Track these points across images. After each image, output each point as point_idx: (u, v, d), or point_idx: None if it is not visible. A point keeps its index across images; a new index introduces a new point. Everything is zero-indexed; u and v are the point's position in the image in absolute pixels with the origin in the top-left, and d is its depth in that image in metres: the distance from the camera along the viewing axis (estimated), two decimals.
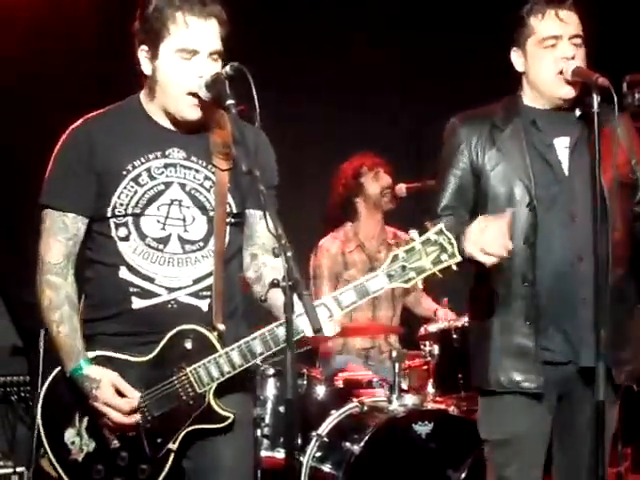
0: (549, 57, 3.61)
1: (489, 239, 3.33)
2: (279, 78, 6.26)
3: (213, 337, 3.17)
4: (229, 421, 3.18)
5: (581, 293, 3.56)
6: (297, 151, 6.38)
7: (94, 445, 3.18)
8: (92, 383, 3.14)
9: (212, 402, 3.16)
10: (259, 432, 4.97)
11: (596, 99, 3.45)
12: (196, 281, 3.20)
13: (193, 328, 3.16)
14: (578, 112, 3.65)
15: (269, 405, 5.05)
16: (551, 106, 3.68)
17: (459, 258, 3.14)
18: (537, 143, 3.65)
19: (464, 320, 4.98)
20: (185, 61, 3.13)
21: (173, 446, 3.15)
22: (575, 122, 3.65)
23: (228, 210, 3.25)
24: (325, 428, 4.96)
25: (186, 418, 3.15)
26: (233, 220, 3.27)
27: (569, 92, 3.61)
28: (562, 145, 3.66)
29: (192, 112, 3.18)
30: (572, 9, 3.63)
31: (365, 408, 5.00)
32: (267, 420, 5.02)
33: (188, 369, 3.14)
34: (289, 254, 2.82)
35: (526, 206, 3.58)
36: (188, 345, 3.16)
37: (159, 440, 3.16)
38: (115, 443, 3.17)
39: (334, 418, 4.98)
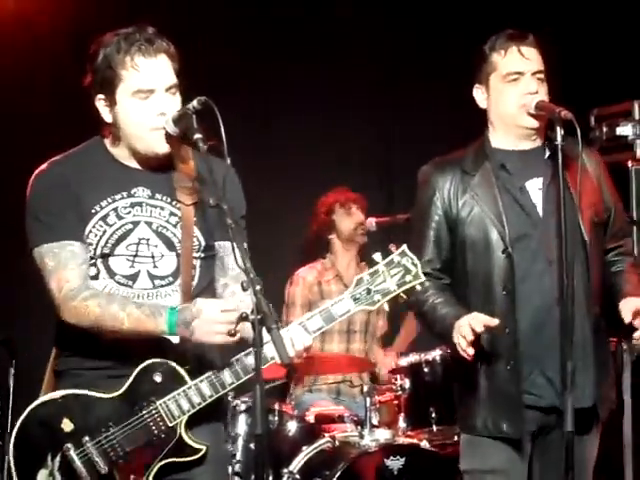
0: (512, 92, 3.60)
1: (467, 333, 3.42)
2: (252, 111, 6.30)
3: (182, 370, 3.16)
4: (202, 453, 3.17)
5: (561, 336, 3.51)
6: (272, 183, 6.41)
7: None
8: (188, 310, 3.08)
9: (184, 435, 3.15)
10: (230, 469, 4.93)
11: (560, 132, 3.44)
12: None
13: (162, 362, 3.16)
14: (548, 152, 3.62)
15: (240, 442, 5.01)
16: (519, 145, 3.66)
17: (423, 278, 3.17)
18: (509, 187, 3.63)
19: (434, 354, 4.97)
20: (143, 101, 3.16)
21: None
22: (546, 162, 3.63)
23: (196, 244, 3.26)
24: (297, 465, 4.92)
25: (158, 452, 3.14)
26: (202, 254, 3.28)
27: (533, 122, 3.60)
28: (535, 187, 3.64)
29: (161, 146, 3.19)
30: (534, 45, 3.65)
31: (337, 443, 4.98)
32: (238, 457, 4.98)
33: (158, 402, 3.13)
34: (257, 287, 2.83)
35: (501, 252, 3.57)
36: (157, 379, 3.15)
37: (132, 476, 3.14)
38: None
39: (305, 454, 4.95)
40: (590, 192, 3.62)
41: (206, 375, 3.13)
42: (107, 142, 3.29)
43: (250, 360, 3.08)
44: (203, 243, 3.27)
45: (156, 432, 3.13)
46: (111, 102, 3.19)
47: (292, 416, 5.20)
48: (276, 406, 5.14)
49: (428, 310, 3.64)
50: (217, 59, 6.31)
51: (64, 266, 3.17)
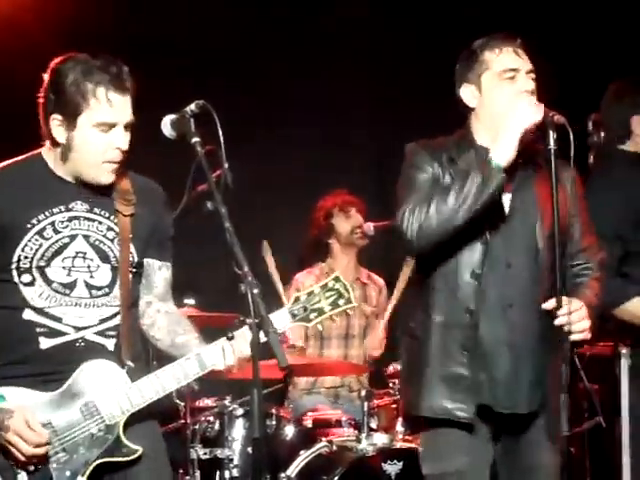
0: (509, 89, 3.57)
1: None
2: (249, 115, 6.30)
3: (122, 371, 3.24)
4: (138, 454, 3.23)
5: (509, 339, 3.57)
6: (270, 187, 6.41)
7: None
8: (5, 414, 3.15)
9: (122, 435, 3.21)
10: (227, 474, 4.94)
11: (552, 136, 3.42)
12: (102, 320, 3.28)
13: (103, 362, 3.23)
14: (526, 154, 3.58)
15: (237, 446, 5.01)
16: None
17: (354, 304, 3.41)
18: None
19: None
20: (103, 133, 3.21)
21: (82, 479, 3.18)
22: (519, 166, 3.59)
23: (130, 259, 3.33)
24: (294, 469, 4.92)
25: (96, 451, 3.19)
26: (134, 270, 3.36)
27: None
28: (506, 189, 3.59)
29: (107, 178, 3.28)
30: (523, 48, 3.64)
31: (334, 448, 4.98)
32: (235, 461, 4.98)
33: (97, 401, 3.19)
34: (255, 291, 2.85)
35: (479, 238, 3.56)
36: (98, 378, 3.21)
37: (68, 473, 3.19)
38: (22, 476, 3.17)
39: (303, 459, 4.95)
40: (561, 206, 3.52)
41: (147, 376, 3.22)
42: (48, 158, 3.31)
43: (190, 365, 3.23)
44: (136, 259, 3.35)
45: (94, 431, 3.19)
46: (69, 125, 3.21)
47: (290, 420, 5.20)
48: (274, 410, 5.14)
49: (436, 194, 3.52)
50: (216, 63, 6.32)
51: None
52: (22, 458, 3.15)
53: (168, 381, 3.23)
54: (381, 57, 6.79)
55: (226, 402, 5.04)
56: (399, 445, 4.93)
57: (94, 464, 3.20)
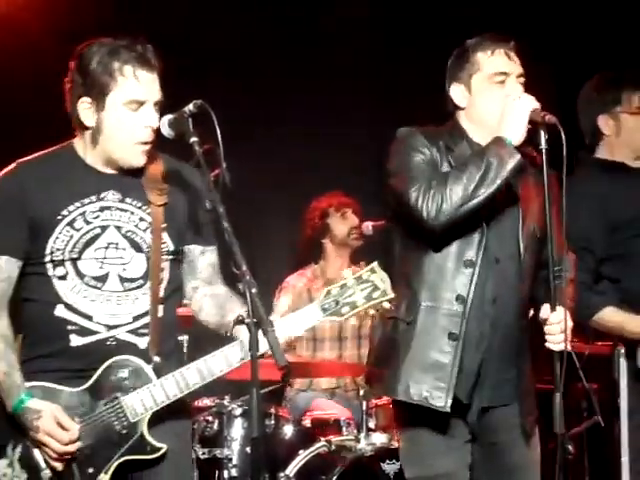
0: (498, 93, 3.58)
1: None
2: (247, 116, 6.30)
3: (148, 368, 3.20)
4: (162, 452, 3.20)
5: (489, 333, 3.59)
6: (266, 187, 6.41)
7: (25, 476, 3.18)
8: (33, 414, 3.14)
9: (145, 432, 3.18)
10: (226, 473, 4.94)
11: (544, 137, 3.41)
12: (136, 318, 3.24)
13: (128, 358, 3.20)
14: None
15: (236, 446, 5.01)
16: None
17: (391, 295, 3.24)
18: None
19: None
20: (132, 112, 3.19)
21: (105, 477, 3.16)
22: None
23: (164, 248, 3.29)
24: (293, 469, 4.92)
25: (119, 448, 3.17)
26: (171, 257, 3.31)
27: None
28: None
29: (140, 159, 3.25)
30: (515, 50, 3.64)
31: (333, 447, 4.98)
32: (234, 461, 4.98)
33: (122, 398, 3.17)
34: (253, 290, 2.85)
35: (476, 227, 3.57)
36: (123, 375, 3.19)
37: (91, 470, 3.17)
38: (46, 473, 3.16)
39: (302, 458, 4.95)
40: (537, 207, 3.59)
41: (172, 374, 3.17)
42: (78, 147, 3.29)
43: (216, 362, 3.15)
44: (172, 247, 3.30)
45: (118, 428, 3.17)
46: (98, 107, 3.20)
47: (288, 420, 5.20)
48: (272, 410, 5.14)
49: (451, 172, 3.54)
50: (215, 62, 6.32)
51: None
52: (54, 456, 3.14)
53: (193, 378, 3.17)
54: (381, 57, 6.78)
55: (225, 402, 5.03)
56: (397, 445, 4.92)
57: (117, 462, 3.16)
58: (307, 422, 5.30)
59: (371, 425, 5.05)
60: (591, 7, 6.46)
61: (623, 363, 4.75)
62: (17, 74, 5.88)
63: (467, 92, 3.65)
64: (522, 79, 3.62)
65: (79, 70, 3.21)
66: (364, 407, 5.00)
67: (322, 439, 5.05)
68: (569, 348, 3.42)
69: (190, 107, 3.11)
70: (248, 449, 4.95)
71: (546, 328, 3.45)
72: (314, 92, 6.59)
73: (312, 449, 4.98)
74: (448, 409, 3.53)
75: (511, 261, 3.60)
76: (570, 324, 3.45)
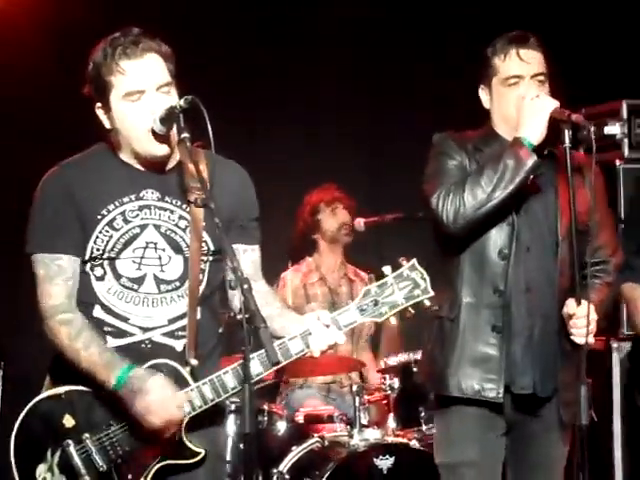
0: (512, 96, 3.64)
1: None
2: (239, 111, 6.29)
3: (185, 371, 3.14)
4: (201, 456, 3.15)
5: (527, 323, 3.65)
6: (258, 184, 6.39)
7: None
8: (140, 381, 3.07)
9: (184, 437, 3.13)
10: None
11: (568, 134, 3.47)
12: (171, 321, 3.18)
13: (165, 362, 3.14)
14: (546, 151, 3.66)
15: (229, 442, 5.01)
16: None
17: (431, 293, 3.16)
18: None
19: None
20: (135, 103, 3.14)
21: None
22: (544, 159, 3.64)
23: (204, 248, 3.22)
24: (286, 465, 4.93)
25: (158, 453, 3.12)
26: (211, 258, 3.24)
27: None
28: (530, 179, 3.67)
29: (158, 148, 3.17)
30: (534, 47, 3.68)
31: (326, 443, 4.98)
32: (228, 457, 4.98)
33: None
34: (246, 286, 2.82)
35: (505, 219, 3.63)
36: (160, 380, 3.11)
37: (130, 476, 3.12)
38: (86, 479, 3.12)
39: (295, 454, 4.96)
40: (581, 201, 3.60)
41: (209, 378, 3.11)
42: (112, 147, 3.26)
43: (255, 364, 3.06)
44: (212, 247, 3.23)
45: (157, 433, 3.11)
46: (106, 109, 3.18)
47: (281, 416, 5.20)
48: (265, 406, 5.15)
49: (471, 175, 3.62)
50: (205, 60, 6.29)
51: (50, 279, 3.17)
52: (161, 422, 3.05)
53: (231, 382, 3.10)
54: (376, 53, 6.79)
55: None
56: (390, 440, 4.94)
57: (157, 467, 3.12)
58: (300, 418, 5.30)
59: (364, 421, 5.04)
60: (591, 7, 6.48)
61: (616, 357, 4.77)
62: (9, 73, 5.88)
63: (489, 95, 3.75)
64: (540, 77, 3.67)
65: (87, 78, 3.20)
66: (357, 403, 4.99)
67: (315, 435, 5.05)
68: (592, 341, 3.53)
69: (181, 102, 3.07)
70: (241, 446, 4.94)
71: (571, 322, 3.53)
72: (312, 90, 6.59)
73: (305, 445, 4.99)
74: (501, 400, 3.61)
75: (546, 251, 3.64)
76: (595, 317, 3.52)
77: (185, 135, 3.03)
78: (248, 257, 3.32)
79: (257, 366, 3.07)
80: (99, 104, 3.19)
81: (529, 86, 3.63)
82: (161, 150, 3.17)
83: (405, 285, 3.13)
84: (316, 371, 5.68)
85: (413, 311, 3.19)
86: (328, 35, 6.65)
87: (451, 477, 3.75)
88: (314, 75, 6.61)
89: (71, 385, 3.17)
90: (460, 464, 3.70)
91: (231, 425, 5.03)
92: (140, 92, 3.13)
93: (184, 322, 3.18)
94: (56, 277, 3.17)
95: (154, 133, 3.13)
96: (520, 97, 3.60)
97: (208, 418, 3.18)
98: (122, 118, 3.16)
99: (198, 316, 3.21)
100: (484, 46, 3.75)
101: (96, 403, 3.14)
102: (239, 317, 2.81)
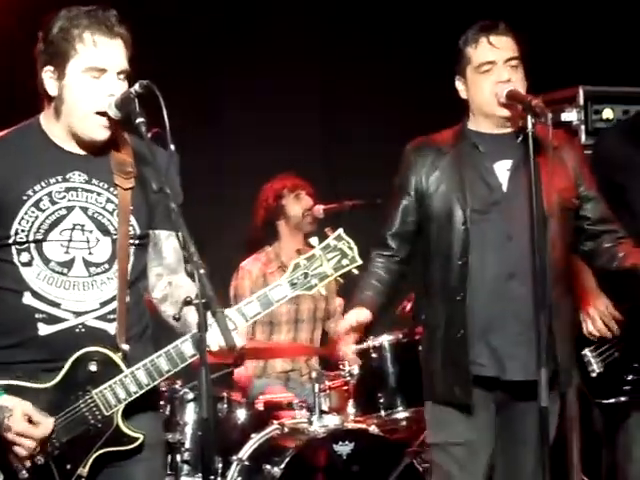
0: (486, 81, 3.76)
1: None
2: (197, 99, 6.26)
3: (117, 357, 3.12)
4: (139, 442, 3.14)
5: (510, 309, 3.71)
6: (217, 174, 6.39)
7: (2, 478, 3.10)
8: (5, 412, 3.05)
9: (121, 424, 3.11)
10: (179, 457, 4.93)
11: (530, 120, 3.58)
12: (103, 304, 3.16)
13: (96, 350, 3.12)
14: (520, 137, 3.75)
15: (189, 430, 4.99)
16: (495, 130, 3.82)
17: (359, 262, 3.19)
18: (478, 165, 3.82)
19: (382, 339, 4.97)
20: (94, 80, 3.11)
21: (83, 471, 3.09)
22: (518, 147, 3.77)
23: (131, 232, 3.21)
24: (246, 452, 4.93)
25: (95, 442, 3.09)
26: (137, 242, 3.24)
27: (504, 112, 3.76)
28: (504, 168, 3.80)
29: (100, 132, 3.15)
30: (504, 33, 3.79)
31: (285, 430, 4.99)
32: (187, 445, 4.97)
33: (94, 392, 3.09)
34: (201, 271, 2.81)
35: (462, 225, 3.74)
36: (92, 367, 3.11)
37: (69, 466, 3.09)
38: (24, 474, 3.08)
39: (255, 441, 4.96)
40: (561, 178, 3.74)
41: (142, 363, 3.10)
42: (44, 121, 3.21)
43: (186, 347, 3.08)
44: (138, 231, 3.22)
45: (92, 422, 3.09)
46: (60, 75, 3.12)
47: (241, 403, 5.20)
48: (225, 394, 5.14)
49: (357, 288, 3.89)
50: (165, 46, 6.26)
51: None
52: (26, 454, 3.05)
53: (164, 365, 3.10)
54: (330, 42, 6.80)
55: (176, 386, 5.02)
56: (350, 426, 4.95)
57: (95, 455, 3.09)
58: (260, 406, 5.30)
59: (324, 407, 5.06)
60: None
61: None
62: None
63: (465, 84, 3.85)
64: (513, 62, 3.77)
65: (43, 39, 3.15)
66: (317, 389, 5.00)
67: (275, 422, 5.05)
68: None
69: (136, 87, 3.04)
70: (200, 433, 4.93)
71: (591, 310, 3.85)
72: (267, 78, 6.57)
73: (265, 432, 4.99)
74: (471, 402, 3.71)
75: (527, 235, 3.66)
76: (616, 314, 3.85)
77: (140, 120, 3.01)
78: (171, 243, 3.29)
79: (165, 363, 3.09)
80: (50, 67, 3.14)
81: (501, 71, 3.73)
82: (102, 135, 3.15)
83: (333, 255, 3.14)
84: (274, 354, 5.71)
85: (342, 280, 3.25)
86: (282, 20, 6.67)
87: (442, 457, 3.83)
88: (275, 56, 6.61)
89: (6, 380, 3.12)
90: (451, 443, 3.78)
91: (190, 413, 5.02)
92: (102, 71, 3.10)
93: (115, 305, 3.16)
94: None
95: (102, 116, 3.10)
96: (494, 82, 3.71)
97: (145, 403, 3.17)
98: (75, 91, 3.12)
99: (127, 299, 3.19)
100: (438, 33, 3.81)
101: (27, 397, 3.08)
102: (195, 302, 2.81)
